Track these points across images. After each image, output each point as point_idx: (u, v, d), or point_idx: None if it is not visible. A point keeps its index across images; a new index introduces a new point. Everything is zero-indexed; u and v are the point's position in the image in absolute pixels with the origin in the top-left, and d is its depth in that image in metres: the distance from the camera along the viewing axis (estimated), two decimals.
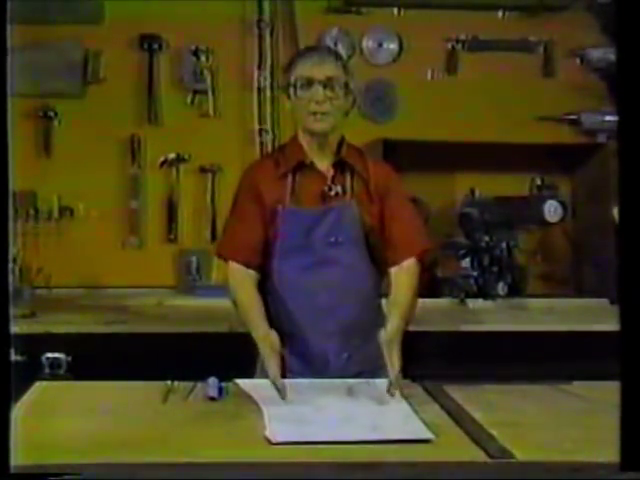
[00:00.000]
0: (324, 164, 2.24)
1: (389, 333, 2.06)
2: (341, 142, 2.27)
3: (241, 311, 2.22)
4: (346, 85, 2.20)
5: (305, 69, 2.17)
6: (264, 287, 2.30)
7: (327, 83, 2.15)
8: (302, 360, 2.20)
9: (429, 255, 2.35)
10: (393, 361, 2.02)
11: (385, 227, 2.25)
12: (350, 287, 2.22)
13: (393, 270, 2.23)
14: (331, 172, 2.24)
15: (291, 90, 2.19)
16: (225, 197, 2.45)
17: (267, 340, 2.12)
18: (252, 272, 2.24)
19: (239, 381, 2.03)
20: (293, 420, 1.74)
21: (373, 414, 1.83)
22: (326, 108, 2.16)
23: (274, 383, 1.97)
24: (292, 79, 2.19)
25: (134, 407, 1.87)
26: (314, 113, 2.16)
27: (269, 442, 1.60)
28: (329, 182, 2.22)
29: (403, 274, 2.22)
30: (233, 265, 2.26)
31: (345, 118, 2.26)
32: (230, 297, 2.27)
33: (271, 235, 2.22)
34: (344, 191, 2.23)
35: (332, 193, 2.22)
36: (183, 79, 3.70)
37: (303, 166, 2.24)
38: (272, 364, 2.05)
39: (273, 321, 2.28)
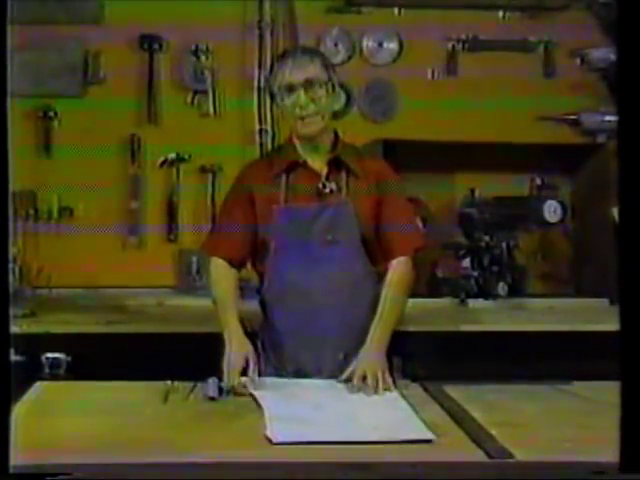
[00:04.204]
0: (318, 163, 2.25)
1: (368, 351, 2.10)
2: (336, 141, 2.27)
3: (217, 308, 2.24)
4: (327, 82, 2.18)
5: (285, 76, 2.17)
6: (260, 287, 2.31)
7: (307, 86, 2.15)
8: (297, 359, 2.20)
9: (427, 253, 2.35)
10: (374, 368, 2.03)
11: (381, 224, 2.25)
12: (347, 285, 2.22)
13: (388, 268, 2.24)
14: (325, 170, 2.24)
15: (277, 98, 2.21)
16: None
17: (236, 343, 2.11)
18: (234, 270, 2.28)
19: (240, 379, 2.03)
20: (294, 420, 1.74)
21: (373, 414, 1.83)
22: (311, 110, 2.16)
23: (233, 385, 1.99)
24: (275, 87, 2.20)
25: (134, 407, 1.88)
26: (301, 118, 2.17)
27: (270, 442, 1.60)
28: (323, 179, 2.23)
29: (394, 275, 2.22)
30: (215, 261, 2.29)
31: (336, 117, 2.26)
32: (210, 291, 2.30)
33: (266, 235, 2.23)
34: (339, 189, 2.23)
35: (326, 190, 2.22)
36: (183, 79, 3.70)
37: (296, 165, 2.25)
38: (234, 370, 2.04)
39: (268, 319, 2.28)
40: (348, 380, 2.06)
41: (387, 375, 2.05)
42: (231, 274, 2.28)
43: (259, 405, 1.85)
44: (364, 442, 1.60)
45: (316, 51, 2.38)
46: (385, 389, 2.00)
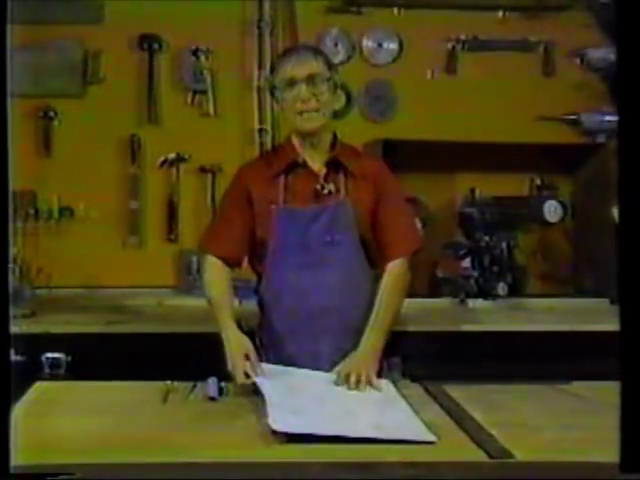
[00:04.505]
0: (317, 164, 2.25)
1: (361, 352, 2.11)
2: (334, 141, 2.27)
3: (213, 308, 2.24)
4: (329, 80, 2.19)
5: (287, 70, 2.17)
6: (259, 286, 2.31)
7: (309, 80, 2.15)
8: (296, 359, 2.20)
9: (427, 253, 2.35)
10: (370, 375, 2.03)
11: (378, 225, 2.25)
12: (346, 287, 2.22)
13: (384, 270, 2.25)
14: (324, 171, 2.24)
15: (277, 93, 2.20)
16: None
17: (235, 343, 2.10)
18: (228, 269, 2.28)
19: None
20: (295, 411, 1.74)
21: (375, 412, 1.83)
22: (312, 105, 2.16)
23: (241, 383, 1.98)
24: (276, 82, 2.20)
25: (134, 407, 1.88)
26: (301, 113, 2.17)
27: (270, 430, 1.61)
28: (322, 181, 2.23)
29: (390, 278, 2.23)
30: (211, 259, 2.29)
31: (336, 117, 2.26)
32: (204, 291, 2.29)
33: (265, 235, 2.22)
34: (337, 190, 2.23)
35: (325, 192, 2.22)
36: (183, 79, 3.70)
37: (296, 166, 2.24)
38: (238, 367, 2.03)
39: (266, 319, 2.28)
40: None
41: (372, 375, 2.04)
42: (225, 273, 2.27)
43: (261, 394, 1.84)
44: (365, 440, 1.60)
45: (319, 49, 2.39)
46: (370, 385, 2.00)
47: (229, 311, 2.19)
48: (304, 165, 2.24)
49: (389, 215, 2.25)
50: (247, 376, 1.99)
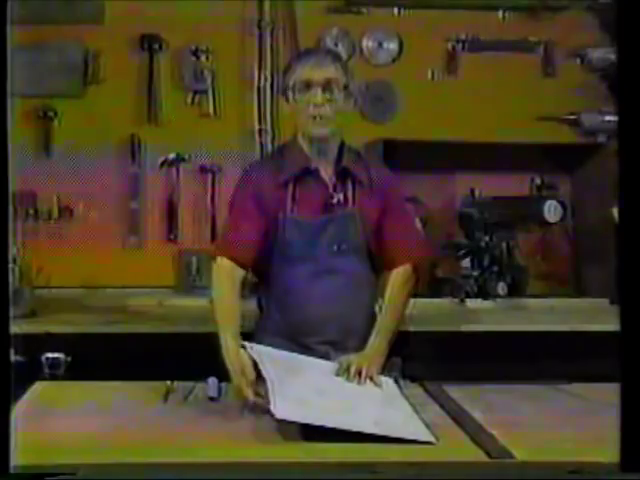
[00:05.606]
0: (326, 171, 2.21)
1: (365, 352, 2.10)
2: (341, 148, 2.23)
3: (216, 313, 2.14)
4: (345, 87, 2.15)
5: (304, 72, 2.12)
6: (260, 289, 2.29)
7: (326, 85, 2.10)
8: None
9: (428, 260, 2.35)
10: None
11: (385, 232, 2.24)
12: (352, 296, 2.21)
13: (389, 274, 2.25)
14: (333, 180, 2.21)
15: (289, 93, 2.15)
16: (225, 197, 2.45)
17: (236, 358, 1.98)
18: (238, 271, 2.18)
19: (246, 344, 1.99)
20: (297, 401, 1.74)
21: (376, 409, 1.83)
22: (325, 111, 2.11)
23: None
24: (290, 82, 2.14)
25: (134, 407, 1.88)
26: (313, 117, 2.12)
27: (271, 416, 1.63)
28: (331, 191, 2.19)
29: (396, 284, 2.24)
30: (221, 260, 2.19)
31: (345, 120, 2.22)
32: (211, 294, 2.21)
33: (271, 242, 2.19)
34: (346, 200, 2.20)
35: (334, 201, 2.19)
36: (183, 79, 3.70)
37: (307, 173, 2.19)
38: (241, 383, 1.92)
39: (267, 323, 2.26)
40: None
41: (374, 372, 2.02)
42: (235, 277, 2.17)
43: (264, 375, 1.83)
44: (364, 435, 1.60)
45: (338, 54, 2.33)
46: (370, 379, 1.99)
47: (232, 329, 2.08)
48: (315, 173, 2.20)
49: (396, 222, 2.24)
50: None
